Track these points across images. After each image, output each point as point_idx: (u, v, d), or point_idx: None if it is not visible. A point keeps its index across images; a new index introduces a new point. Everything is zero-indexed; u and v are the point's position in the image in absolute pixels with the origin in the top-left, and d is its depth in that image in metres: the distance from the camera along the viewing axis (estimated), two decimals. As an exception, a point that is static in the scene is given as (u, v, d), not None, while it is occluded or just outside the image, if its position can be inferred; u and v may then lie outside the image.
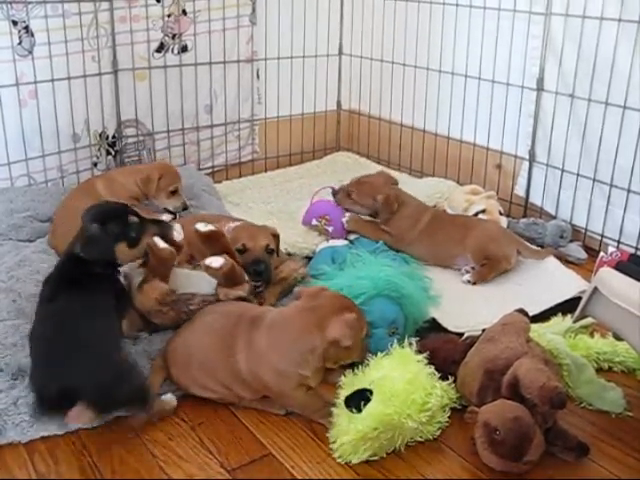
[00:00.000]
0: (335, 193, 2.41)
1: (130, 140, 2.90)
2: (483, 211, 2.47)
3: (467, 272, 2.23)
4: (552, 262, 2.28)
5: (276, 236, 2.07)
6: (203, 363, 1.64)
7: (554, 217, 2.61)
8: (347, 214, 2.38)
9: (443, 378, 1.59)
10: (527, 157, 2.70)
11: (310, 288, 1.69)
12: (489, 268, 2.21)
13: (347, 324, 1.52)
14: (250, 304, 1.80)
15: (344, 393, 1.51)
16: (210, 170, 3.12)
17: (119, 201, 2.35)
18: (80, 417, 1.50)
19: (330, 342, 1.52)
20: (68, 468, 1.46)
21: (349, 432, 1.45)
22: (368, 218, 2.38)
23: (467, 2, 2.78)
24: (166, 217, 2.41)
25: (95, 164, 2.80)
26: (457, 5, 2.82)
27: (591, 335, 1.87)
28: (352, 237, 2.33)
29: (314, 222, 2.38)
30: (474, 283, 2.19)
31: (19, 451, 1.50)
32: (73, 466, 1.46)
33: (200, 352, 1.65)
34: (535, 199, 2.71)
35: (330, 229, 2.35)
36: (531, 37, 2.58)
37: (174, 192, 2.48)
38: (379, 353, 1.60)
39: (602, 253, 2.23)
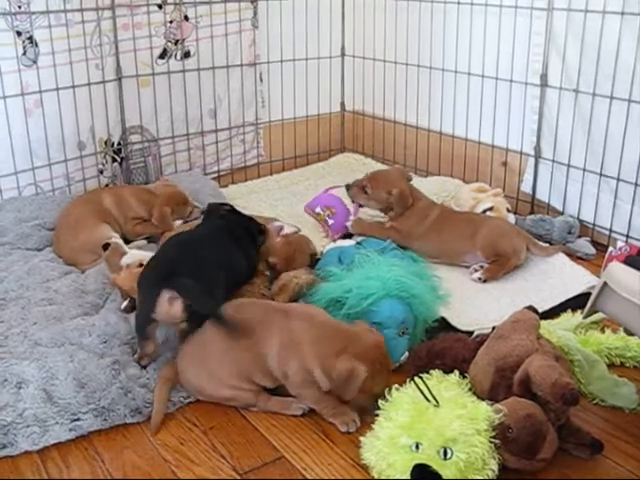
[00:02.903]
0: (348, 187, 2.37)
1: (135, 147, 2.91)
2: (491, 209, 2.46)
3: (476, 270, 2.23)
4: (561, 258, 2.27)
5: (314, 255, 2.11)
6: (225, 353, 1.62)
7: (561, 213, 2.60)
8: (351, 218, 2.38)
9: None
10: (533, 153, 2.70)
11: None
12: (500, 265, 2.20)
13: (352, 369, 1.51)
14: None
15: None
16: (216, 175, 3.12)
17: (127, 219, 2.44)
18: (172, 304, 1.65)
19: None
20: (81, 473, 1.46)
21: None
22: (373, 217, 2.38)
23: (468, 0, 2.78)
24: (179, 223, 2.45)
25: (101, 171, 2.81)
26: (459, 3, 2.82)
27: (602, 330, 1.87)
28: (359, 237, 2.33)
29: (318, 209, 2.39)
30: (485, 281, 2.18)
31: (32, 457, 1.51)
32: (85, 471, 1.47)
33: (222, 343, 1.64)
34: (542, 195, 2.70)
35: (330, 222, 2.35)
36: (533, 33, 2.58)
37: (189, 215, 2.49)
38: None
39: (611, 248, 2.22)
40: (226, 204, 2.12)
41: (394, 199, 2.30)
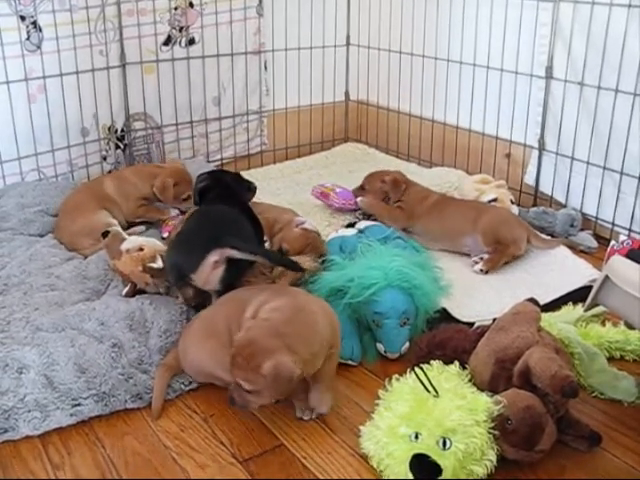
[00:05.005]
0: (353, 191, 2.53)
1: (139, 134, 2.91)
2: (495, 200, 2.47)
3: (476, 263, 2.23)
4: (563, 251, 2.27)
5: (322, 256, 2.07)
6: (224, 333, 1.61)
7: (564, 206, 2.60)
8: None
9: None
10: (536, 146, 2.69)
11: None
12: (499, 253, 2.21)
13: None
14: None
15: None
16: (219, 162, 3.12)
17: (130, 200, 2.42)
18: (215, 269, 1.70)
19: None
20: (82, 459, 1.47)
21: None
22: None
23: (475, -10, 2.77)
24: (175, 213, 2.44)
25: (104, 158, 2.81)
26: (465, -7, 2.81)
27: (603, 324, 1.87)
28: (362, 226, 2.33)
29: (327, 184, 2.53)
30: (486, 272, 2.19)
31: (34, 442, 1.52)
32: (86, 457, 1.48)
33: (220, 322, 1.63)
34: (545, 188, 2.69)
35: (338, 190, 2.48)
36: (540, 25, 2.56)
37: (186, 199, 2.44)
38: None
39: (613, 241, 2.22)
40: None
41: (388, 185, 2.41)
